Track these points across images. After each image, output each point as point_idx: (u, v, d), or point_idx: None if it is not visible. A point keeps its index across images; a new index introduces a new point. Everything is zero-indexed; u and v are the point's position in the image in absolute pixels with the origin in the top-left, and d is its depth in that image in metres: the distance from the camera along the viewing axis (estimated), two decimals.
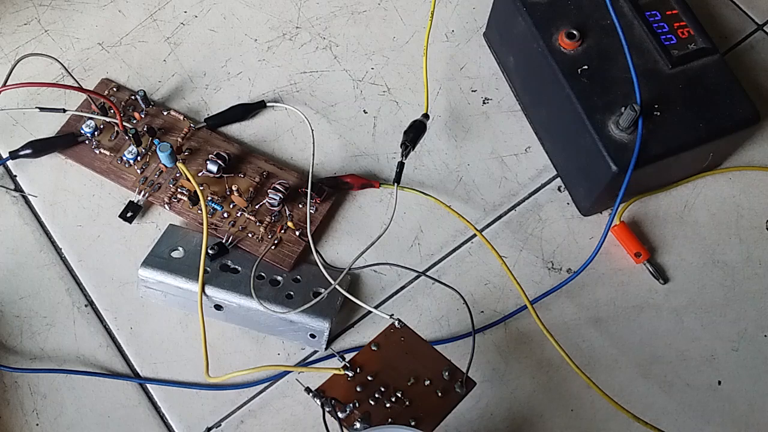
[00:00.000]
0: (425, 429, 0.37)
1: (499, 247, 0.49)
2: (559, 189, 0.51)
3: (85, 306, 0.48)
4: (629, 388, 0.46)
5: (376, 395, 0.38)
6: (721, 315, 0.48)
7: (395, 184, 0.46)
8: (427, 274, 0.48)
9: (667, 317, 0.48)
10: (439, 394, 0.38)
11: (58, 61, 0.50)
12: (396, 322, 0.41)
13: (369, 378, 0.39)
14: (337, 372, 0.39)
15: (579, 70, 0.46)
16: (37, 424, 0.45)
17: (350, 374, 0.39)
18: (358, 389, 0.38)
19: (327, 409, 0.37)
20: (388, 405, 0.38)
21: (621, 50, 0.45)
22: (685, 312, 0.48)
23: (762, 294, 0.48)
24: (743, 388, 0.46)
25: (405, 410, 0.38)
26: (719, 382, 0.46)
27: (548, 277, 0.49)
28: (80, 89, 0.49)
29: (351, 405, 0.37)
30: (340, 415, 0.37)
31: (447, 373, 0.39)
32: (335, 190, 0.50)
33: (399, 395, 0.38)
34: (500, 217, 0.51)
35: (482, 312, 0.48)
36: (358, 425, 0.36)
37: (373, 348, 0.40)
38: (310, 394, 0.37)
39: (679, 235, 0.50)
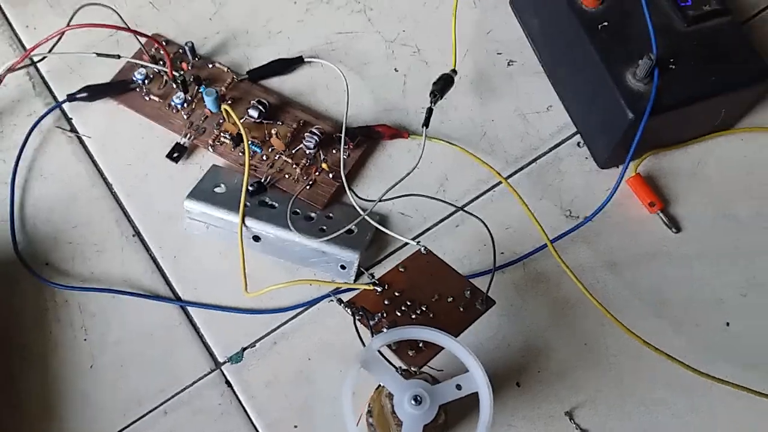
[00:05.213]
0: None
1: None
2: (578, 144, 0.54)
3: (133, 236, 0.51)
4: (641, 326, 0.48)
5: (403, 308, 0.41)
6: (730, 264, 0.50)
7: (424, 127, 0.49)
8: (464, 209, 0.50)
9: (679, 264, 0.50)
10: (461, 309, 0.41)
11: (114, 10, 0.54)
12: (422, 249, 0.44)
13: (396, 294, 0.42)
14: (366, 288, 0.42)
15: (600, 26, 0.49)
16: (85, 339, 0.48)
17: (379, 289, 0.42)
18: (386, 302, 0.41)
19: (357, 317, 0.40)
20: (413, 316, 0.41)
21: (640, 8, 0.48)
22: (696, 260, 0.50)
23: None
24: (751, 329, 0.48)
25: (429, 321, 0.41)
26: (727, 324, 0.49)
27: (566, 224, 0.51)
28: (137, 32, 0.53)
29: (379, 314, 0.40)
30: (369, 322, 0.40)
31: (468, 293, 0.42)
32: (367, 138, 0.54)
33: (424, 308, 0.41)
34: (521, 168, 0.54)
35: (502, 253, 0.51)
36: (386, 331, 0.39)
37: (401, 269, 0.43)
38: (342, 305, 0.41)
39: (691, 190, 0.53)
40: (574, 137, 0.55)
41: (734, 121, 0.54)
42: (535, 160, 0.54)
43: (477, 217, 0.46)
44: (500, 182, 0.52)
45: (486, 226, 0.45)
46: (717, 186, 0.53)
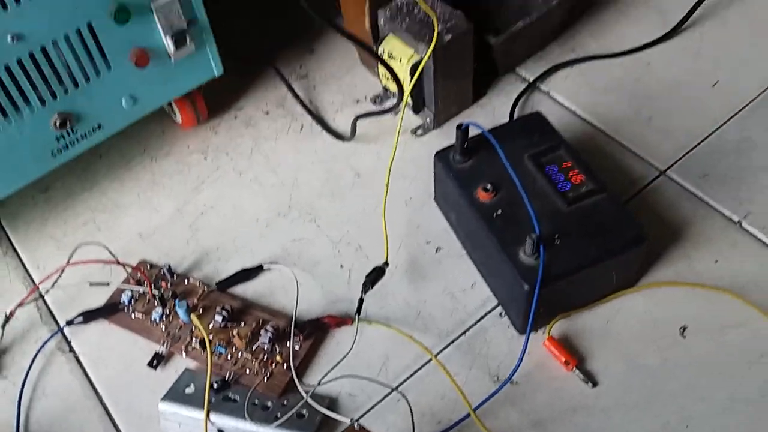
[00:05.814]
0: None
1: (452, 367, 0.58)
2: (500, 315, 0.62)
3: None
4: None
5: None
6: (646, 411, 0.55)
7: (356, 314, 0.58)
8: (397, 389, 0.57)
9: (599, 416, 0.55)
10: None
11: (105, 246, 0.66)
12: (355, 424, 0.50)
13: None
14: None
15: (494, 215, 0.59)
16: None
17: None
18: None
19: None
20: None
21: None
22: (614, 410, 0.55)
23: (681, 391, 0.56)
24: None
25: None
26: None
27: (494, 389, 0.57)
28: (123, 264, 0.65)
29: None
30: None
31: None
32: (316, 328, 0.62)
33: None
34: (453, 341, 0.61)
35: (439, 422, 0.56)
36: None
37: None
38: None
39: (603, 346, 0.59)
40: (496, 309, 0.62)
41: (634, 280, 0.61)
42: (464, 332, 0.61)
43: (405, 398, 0.53)
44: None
45: (409, 406, 0.51)
46: (626, 340, 0.59)
